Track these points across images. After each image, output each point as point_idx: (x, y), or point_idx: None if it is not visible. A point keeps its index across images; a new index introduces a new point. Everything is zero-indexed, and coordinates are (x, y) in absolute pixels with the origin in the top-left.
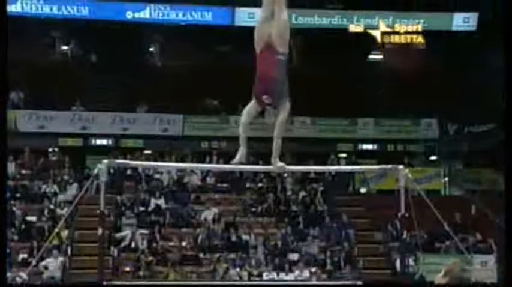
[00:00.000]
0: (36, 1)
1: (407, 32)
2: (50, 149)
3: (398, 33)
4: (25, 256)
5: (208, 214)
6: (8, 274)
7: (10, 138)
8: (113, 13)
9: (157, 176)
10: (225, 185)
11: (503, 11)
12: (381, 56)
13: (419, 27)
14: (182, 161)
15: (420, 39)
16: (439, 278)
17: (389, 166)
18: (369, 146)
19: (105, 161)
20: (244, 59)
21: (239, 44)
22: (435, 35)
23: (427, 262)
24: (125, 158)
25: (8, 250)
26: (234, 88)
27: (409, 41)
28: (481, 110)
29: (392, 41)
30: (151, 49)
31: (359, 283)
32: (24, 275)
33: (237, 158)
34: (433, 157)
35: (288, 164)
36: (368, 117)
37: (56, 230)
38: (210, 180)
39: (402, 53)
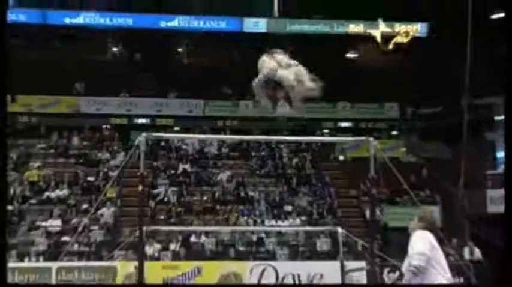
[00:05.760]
0: (93, 14)
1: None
2: (104, 126)
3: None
4: (86, 206)
5: (223, 176)
6: (74, 220)
7: (74, 118)
8: (150, 23)
9: (184, 147)
10: (236, 153)
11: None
12: (356, 55)
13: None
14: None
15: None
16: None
17: (362, 138)
18: (347, 124)
19: (144, 134)
20: (249, 59)
21: (246, 46)
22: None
23: (390, 212)
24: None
25: (74, 202)
26: (242, 80)
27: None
28: (431, 95)
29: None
30: (179, 50)
31: (338, 228)
32: (86, 220)
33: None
34: (395, 132)
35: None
36: (345, 101)
37: (108, 187)
38: (224, 150)
39: (375, 51)
